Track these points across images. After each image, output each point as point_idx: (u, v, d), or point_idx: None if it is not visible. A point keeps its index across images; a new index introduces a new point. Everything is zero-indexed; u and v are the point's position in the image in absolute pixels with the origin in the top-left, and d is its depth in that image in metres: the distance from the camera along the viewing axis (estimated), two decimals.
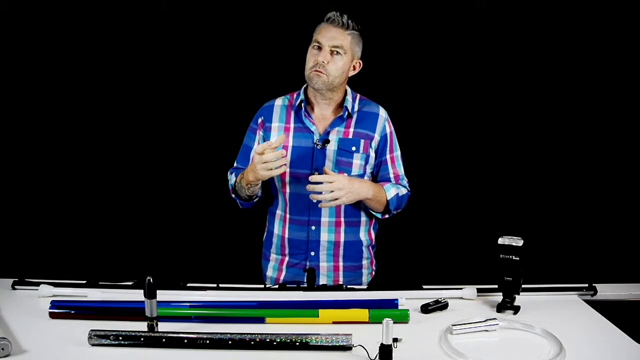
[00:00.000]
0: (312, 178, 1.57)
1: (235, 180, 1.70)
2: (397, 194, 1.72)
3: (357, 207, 1.75)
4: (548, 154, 2.40)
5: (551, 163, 2.40)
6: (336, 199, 1.57)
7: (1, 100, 2.30)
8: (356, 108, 1.75)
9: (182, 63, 2.34)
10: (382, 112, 1.77)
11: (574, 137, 2.38)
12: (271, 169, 1.52)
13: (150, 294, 1.21)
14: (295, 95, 1.77)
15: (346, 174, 1.65)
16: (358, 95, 1.79)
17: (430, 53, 2.35)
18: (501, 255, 1.43)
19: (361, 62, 1.74)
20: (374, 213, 1.76)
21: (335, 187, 1.55)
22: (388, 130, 1.77)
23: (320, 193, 1.57)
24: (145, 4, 2.28)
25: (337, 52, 1.64)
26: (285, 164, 1.56)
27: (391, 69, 2.29)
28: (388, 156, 1.77)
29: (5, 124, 2.32)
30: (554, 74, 2.35)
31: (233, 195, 1.77)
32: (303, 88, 1.76)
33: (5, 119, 2.31)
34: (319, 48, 1.65)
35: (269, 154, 1.50)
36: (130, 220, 2.41)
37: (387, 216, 1.76)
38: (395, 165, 1.79)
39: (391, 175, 1.77)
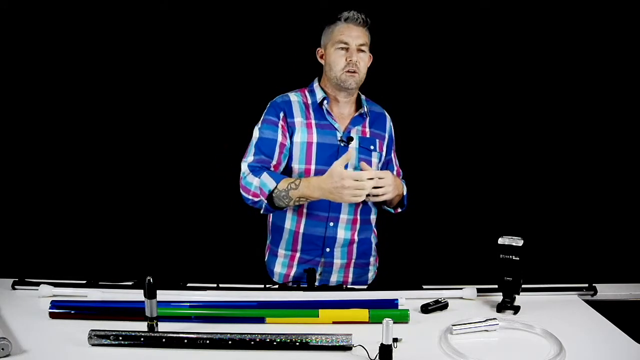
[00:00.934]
0: (364, 174, 1.50)
1: (276, 187, 1.58)
2: (407, 190, 1.80)
3: (369, 204, 1.77)
4: (548, 154, 2.40)
5: (551, 163, 2.41)
6: (384, 194, 1.59)
7: (1, 100, 2.30)
8: (366, 107, 1.79)
9: (182, 63, 2.34)
10: (386, 113, 1.85)
11: (574, 137, 2.38)
12: (359, 196, 1.47)
13: (150, 294, 1.21)
14: (307, 92, 1.77)
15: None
16: (364, 96, 1.82)
17: (431, 53, 2.35)
18: (501, 255, 1.43)
19: (371, 55, 1.76)
20: (387, 208, 1.80)
21: (386, 183, 1.57)
22: (392, 131, 1.85)
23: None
24: (145, 4, 2.28)
25: (363, 49, 1.69)
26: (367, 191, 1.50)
27: (392, 69, 2.28)
28: (393, 154, 1.86)
29: (5, 124, 2.32)
30: (555, 75, 2.35)
31: (254, 200, 1.62)
32: (317, 85, 1.77)
33: (5, 119, 2.31)
34: (346, 49, 1.67)
35: (367, 180, 1.46)
36: (130, 221, 2.41)
37: (399, 210, 1.80)
38: (396, 163, 1.87)
39: (394, 172, 1.84)
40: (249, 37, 2.33)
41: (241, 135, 1.82)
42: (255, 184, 1.61)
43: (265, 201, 1.60)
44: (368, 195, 1.56)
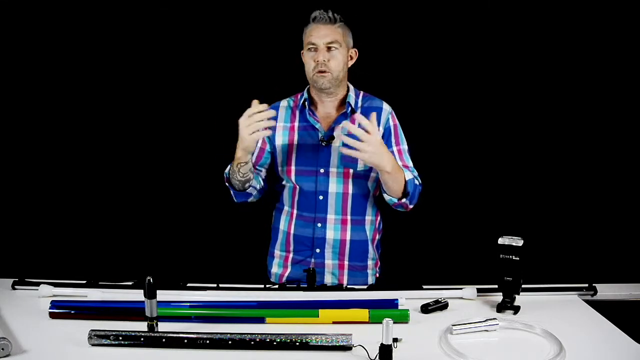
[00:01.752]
0: (355, 122, 1.49)
1: (230, 168, 1.68)
2: (413, 178, 1.68)
3: (365, 204, 1.75)
4: (548, 154, 2.40)
5: (551, 163, 2.40)
6: (359, 151, 1.50)
7: (1, 100, 2.30)
8: (359, 104, 1.76)
9: (183, 64, 2.34)
10: (386, 106, 1.78)
11: (574, 137, 2.38)
12: (256, 131, 1.50)
13: (150, 294, 1.21)
14: (299, 97, 1.80)
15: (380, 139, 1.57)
16: (361, 92, 1.80)
17: (430, 55, 2.35)
18: (501, 255, 1.43)
19: (356, 50, 1.76)
20: (390, 198, 1.67)
21: (366, 139, 1.48)
22: (392, 123, 1.77)
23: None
24: (145, 4, 2.28)
25: (334, 47, 1.67)
26: (269, 127, 1.54)
27: (389, 69, 2.29)
28: (395, 148, 1.75)
29: (5, 124, 2.32)
30: (555, 74, 2.35)
31: (228, 185, 1.73)
32: (306, 89, 1.79)
33: (6, 119, 2.31)
34: (315, 49, 1.67)
35: (253, 111, 1.50)
36: (130, 221, 2.41)
37: (403, 200, 1.67)
38: (404, 158, 1.76)
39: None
40: (252, 39, 2.33)
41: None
42: (225, 172, 1.72)
43: (228, 184, 1.71)
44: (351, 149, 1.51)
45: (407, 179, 1.66)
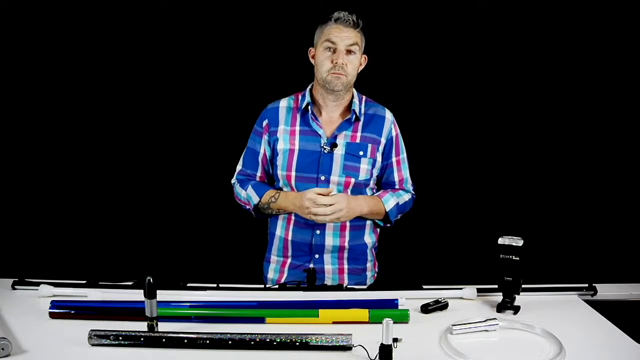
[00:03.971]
0: (322, 199, 1.58)
1: (260, 201, 1.69)
2: (397, 203, 1.73)
3: None
4: (548, 154, 2.40)
5: (551, 163, 2.40)
6: (337, 218, 1.60)
7: (1, 100, 2.30)
8: (363, 111, 1.74)
9: (182, 63, 2.34)
10: (389, 115, 1.76)
11: (574, 137, 2.38)
12: (316, 215, 1.56)
13: (150, 294, 1.21)
14: (300, 97, 1.75)
15: (344, 194, 1.67)
16: (364, 97, 1.78)
17: (431, 55, 2.35)
18: (501, 255, 1.43)
19: (366, 56, 1.73)
20: (376, 221, 1.77)
21: (335, 209, 1.57)
22: (394, 133, 1.76)
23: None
24: (145, 4, 2.28)
25: (352, 51, 1.64)
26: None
27: (390, 70, 2.28)
28: (394, 159, 1.77)
29: (5, 124, 2.31)
30: (554, 75, 2.35)
31: (247, 207, 1.76)
32: (308, 89, 1.75)
33: (6, 119, 2.31)
34: (334, 50, 1.63)
35: (322, 204, 1.56)
36: (130, 221, 2.41)
37: (388, 225, 1.78)
38: (401, 169, 1.79)
39: (396, 179, 1.78)
40: (253, 37, 2.32)
41: (243, 137, 1.82)
42: (243, 195, 1.75)
43: (253, 211, 1.75)
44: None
45: (387, 210, 1.71)
